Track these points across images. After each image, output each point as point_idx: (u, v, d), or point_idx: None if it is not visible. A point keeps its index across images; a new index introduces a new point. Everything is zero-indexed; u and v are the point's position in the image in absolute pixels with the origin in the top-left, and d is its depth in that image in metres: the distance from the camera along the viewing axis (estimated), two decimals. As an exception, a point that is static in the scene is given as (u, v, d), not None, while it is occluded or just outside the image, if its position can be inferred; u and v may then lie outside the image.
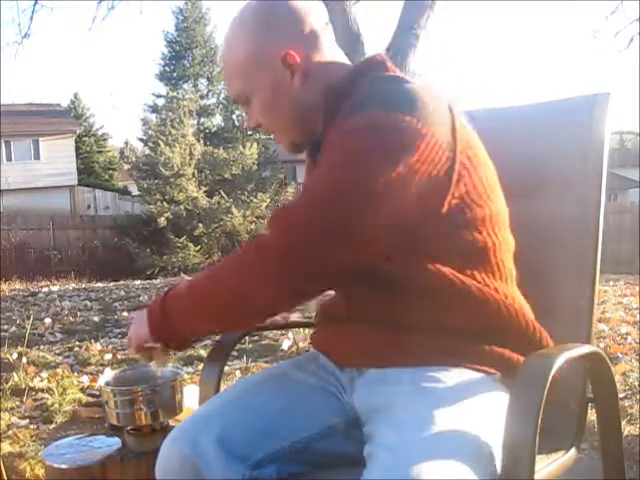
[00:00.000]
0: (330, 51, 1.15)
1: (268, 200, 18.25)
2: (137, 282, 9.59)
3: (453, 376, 1.01)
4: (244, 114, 1.20)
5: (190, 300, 1.07)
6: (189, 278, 1.14)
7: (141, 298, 6.77)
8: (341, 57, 1.18)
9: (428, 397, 0.97)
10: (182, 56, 22.03)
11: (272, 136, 1.23)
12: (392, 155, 0.97)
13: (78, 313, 5.72)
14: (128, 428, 1.56)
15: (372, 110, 1.00)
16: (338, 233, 0.95)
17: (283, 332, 4.06)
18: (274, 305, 1.03)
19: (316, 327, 1.26)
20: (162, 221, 17.47)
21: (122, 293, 7.37)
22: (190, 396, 1.60)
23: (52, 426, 2.56)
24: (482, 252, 1.08)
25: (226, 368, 3.25)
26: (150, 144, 19.30)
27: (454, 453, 0.88)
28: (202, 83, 22.12)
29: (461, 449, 0.89)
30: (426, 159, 0.99)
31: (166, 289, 1.13)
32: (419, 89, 1.04)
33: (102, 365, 3.62)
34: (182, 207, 17.78)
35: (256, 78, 1.12)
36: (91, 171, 28.16)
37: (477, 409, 0.97)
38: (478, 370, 1.03)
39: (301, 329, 3.77)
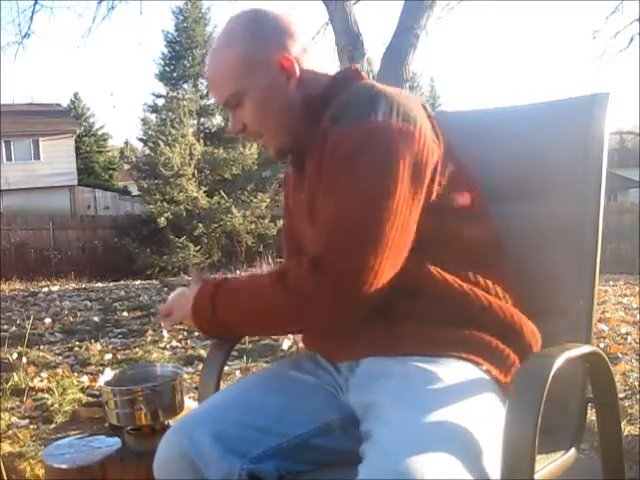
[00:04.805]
0: (318, 61, 1.19)
1: (268, 200, 18.23)
2: (137, 282, 9.58)
3: (442, 368, 1.02)
4: (230, 118, 1.21)
5: (239, 315, 1.12)
6: (234, 277, 1.16)
7: (141, 298, 6.76)
8: (328, 68, 1.21)
9: (416, 392, 0.98)
10: (182, 56, 21.98)
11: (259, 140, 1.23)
12: (394, 166, 1.01)
13: (78, 313, 5.71)
14: (128, 428, 1.56)
15: (361, 121, 1.04)
16: (379, 263, 1.00)
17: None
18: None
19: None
20: (162, 221, 17.45)
21: (122, 293, 7.36)
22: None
23: (52, 426, 2.56)
24: (479, 246, 1.11)
25: (226, 368, 3.25)
26: (150, 144, 19.28)
27: (443, 449, 0.88)
28: (202, 83, 22.03)
29: (450, 445, 0.89)
30: (422, 155, 1.04)
31: (215, 281, 1.16)
32: (395, 92, 1.10)
33: (102, 365, 3.61)
34: (182, 207, 17.76)
35: (251, 78, 1.14)
36: (91, 171, 28.13)
37: (466, 403, 0.97)
38: (465, 359, 1.04)
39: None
